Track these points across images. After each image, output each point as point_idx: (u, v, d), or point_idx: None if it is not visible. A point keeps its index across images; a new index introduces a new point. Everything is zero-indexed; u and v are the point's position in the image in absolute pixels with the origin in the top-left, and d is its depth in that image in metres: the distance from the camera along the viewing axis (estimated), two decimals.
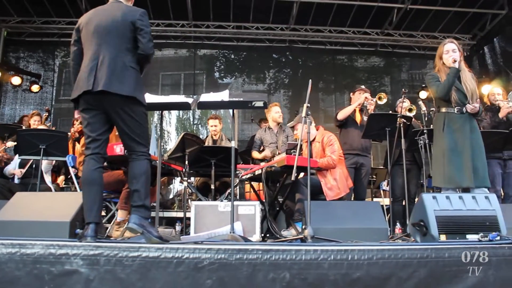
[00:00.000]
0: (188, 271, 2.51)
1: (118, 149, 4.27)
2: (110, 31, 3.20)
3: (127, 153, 3.30)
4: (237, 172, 5.51)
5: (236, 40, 10.38)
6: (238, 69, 10.90)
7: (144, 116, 3.30)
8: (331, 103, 10.66)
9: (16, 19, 9.48)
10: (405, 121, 5.10)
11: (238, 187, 6.58)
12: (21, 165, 5.86)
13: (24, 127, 6.84)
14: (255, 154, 6.34)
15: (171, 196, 8.18)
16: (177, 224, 5.75)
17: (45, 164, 5.79)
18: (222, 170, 5.40)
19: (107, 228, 4.71)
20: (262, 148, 6.44)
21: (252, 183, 5.77)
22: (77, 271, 2.52)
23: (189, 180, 5.63)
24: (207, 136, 7.03)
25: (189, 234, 4.34)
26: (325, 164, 4.81)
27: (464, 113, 4.23)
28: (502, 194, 5.41)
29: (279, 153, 5.86)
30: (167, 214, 6.87)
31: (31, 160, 5.78)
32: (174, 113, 10.48)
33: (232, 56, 10.90)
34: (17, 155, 5.61)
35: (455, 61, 4.19)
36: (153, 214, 3.97)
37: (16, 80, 9.47)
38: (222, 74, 10.96)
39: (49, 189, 5.77)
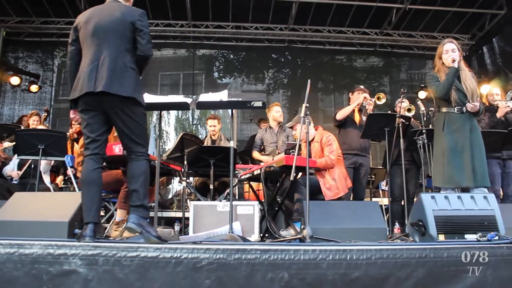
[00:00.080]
0: (187, 271, 2.51)
1: (117, 149, 4.27)
2: (110, 31, 3.20)
3: (126, 153, 3.30)
4: (236, 172, 5.51)
5: (235, 40, 10.38)
6: (237, 69, 10.90)
7: (143, 116, 3.30)
8: (330, 103, 10.66)
9: (15, 19, 9.46)
10: (404, 121, 5.10)
11: (237, 187, 6.56)
12: (20, 165, 5.86)
13: (22, 127, 6.83)
14: (256, 155, 6.33)
15: (170, 196, 8.17)
16: (176, 224, 5.75)
17: (44, 164, 5.78)
18: (221, 170, 5.40)
19: (106, 228, 4.71)
20: (262, 147, 6.44)
21: (251, 183, 5.76)
22: (75, 271, 2.51)
23: (188, 180, 5.64)
24: (206, 136, 7.03)
25: (188, 234, 4.34)
26: (323, 164, 4.81)
27: (464, 112, 4.23)
28: (502, 194, 5.41)
29: (279, 153, 5.85)
30: (166, 214, 6.87)
31: (30, 160, 5.78)
32: (173, 113, 10.48)
33: (231, 56, 10.90)
34: (15, 155, 5.60)
35: (454, 60, 4.19)
36: (152, 214, 3.97)
37: (15, 80, 9.47)
38: (221, 74, 10.96)
39: (47, 189, 5.77)
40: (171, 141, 10.07)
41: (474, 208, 3.41)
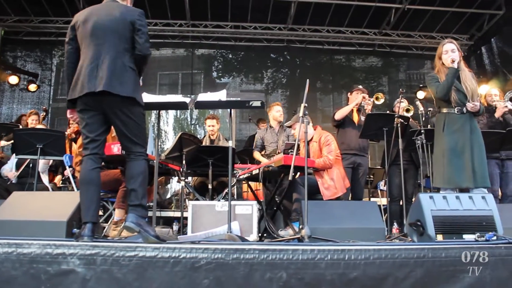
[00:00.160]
0: (185, 271, 2.51)
1: (116, 148, 4.27)
2: (109, 31, 3.19)
3: (125, 153, 3.30)
4: (235, 171, 5.52)
5: (234, 40, 10.38)
6: (236, 68, 10.90)
7: (142, 116, 3.31)
8: (328, 103, 10.66)
9: (13, 18, 9.45)
10: (402, 121, 5.11)
11: (235, 186, 6.56)
12: (18, 165, 5.85)
13: (21, 127, 6.82)
14: (257, 155, 6.31)
15: (168, 196, 8.17)
16: (174, 223, 5.75)
17: (41, 164, 5.77)
18: (220, 169, 5.39)
19: (104, 227, 4.71)
20: (263, 147, 6.43)
21: (250, 182, 5.76)
22: (73, 270, 2.51)
23: (186, 180, 5.63)
24: (204, 136, 7.02)
25: (186, 234, 4.34)
26: (322, 165, 4.82)
27: (465, 113, 4.22)
28: (500, 194, 5.42)
29: (279, 153, 5.85)
30: (165, 213, 6.86)
31: (28, 160, 5.77)
32: (172, 112, 10.48)
33: (230, 56, 10.90)
34: (14, 155, 5.59)
35: (453, 61, 4.18)
36: (150, 213, 3.96)
37: (13, 79, 9.46)
38: (220, 74, 10.96)
39: (46, 189, 5.76)
40: (169, 141, 10.07)
41: (472, 208, 3.41)
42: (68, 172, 5.44)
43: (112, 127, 3.33)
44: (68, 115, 3.46)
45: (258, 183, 5.76)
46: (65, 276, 2.50)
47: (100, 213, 5.14)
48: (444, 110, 4.29)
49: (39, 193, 4.93)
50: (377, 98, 5.72)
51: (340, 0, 9.05)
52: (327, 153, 4.88)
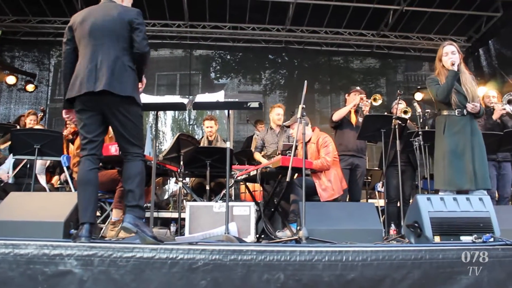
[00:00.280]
0: (183, 272, 2.51)
1: (113, 149, 4.26)
2: (107, 31, 3.19)
3: (122, 154, 3.29)
4: (232, 173, 5.51)
5: (232, 41, 10.39)
6: (234, 69, 10.91)
7: (140, 117, 3.30)
8: (326, 104, 10.68)
9: (11, 18, 9.44)
10: (400, 122, 5.11)
11: (233, 187, 6.57)
12: (15, 165, 5.83)
13: (18, 127, 6.80)
14: (257, 156, 6.31)
15: (166, 197, 8.16)
16: (172, 224, 5.73)
17: (38, 165, 5.76)
18: (217, 170, 5.39)
19: (102, 228, 4.70)
20: (264, 148, 6.44)
21: (247, 184, 5.76)
22: (71, 271, 2.51)
23: (184, 181, 5.63)
24: (202, 137, 7.02)
25: (183, 235, 4.33)
26: (319, 166, 4.82)
27: (465, 115, 4.21)
28: (497, 196, 5.43)
29: (279, 154, 5.86)
30: (162, 214, 6.85)
31: (25, 160, 5.75)
32: (170, 113, 10.48)
33: (228, 57, 10.91)
34: (11, 155, 5.58)
35: (453, 64, 4.17)
36: (147, 214, 3.96)
37: (11, 80, 9.44)
38: (218, 75, 10.97)
39: (43, 189, 5.75)
40: (167, 142, 10.06)
41: (469, 210, 3.42)
42: (65, 175, 5.40)
43: (110, 128, 3.33)
44: (64, 115, 3.46)
45: (255, 184, 5.77)
46: (62, 277, 2.50)
47: (98, 214, 5.14)
48: (445, 112, 4.28)
49: (37, 193, 4.92)
50: (375, 100, 5.73)
51: (338, 2, 9.06)
52: (324, 155, 4.88)
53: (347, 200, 5.48)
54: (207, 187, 5.41)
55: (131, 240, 3.07)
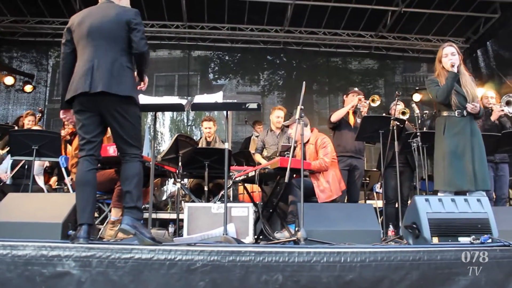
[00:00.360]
0: (181, 273, 2.51)
1: (112, 150, 4.26)
2: (105, 32, 3.19)
3: (120, 155, 3.29)
4: (231, 173, 5.51)
5: (231, 42, 10.38)
6: (232, 70, 10.90)
7: (138, 118, 3.30)
8: (325, 105, 10.68)
9: (9, 18, 9.41)
10: (398, 123, 5.12)
11: (231, 188, 6.56)
12: (13, 166, 5.82)
13: (16, 128, 6.79)
14: (258, 157, 6.31)
15: (164, 198, 8.15)
16: (170, 225, 5.72)
17: (36, 166, 5.74)
18: (216, 171, 5.39)
19: (100, 229, 4.69)
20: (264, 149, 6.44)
21: (246, 184, 5.76)
22: (69, 273, 2.50)
23: (182, 182, 5.62)
24: (200, 138, 7.02)
25: (182, 236, 4.33)
26: (318, 167, 4.82)
27: (465, 116, 4.20)
28: (494, 197, 5.44)
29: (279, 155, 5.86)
30: (160, 215, 6.83)
31: (23, 161, 5.74)
32: (168, 114, 10.46)
33: (227, 58, 10.90)
34: (9, 156, 5.57)
35: (453, 65, 4.17)
36: (146, 215, 3.96)
37: (9, 80, 9.42)
38: (216, 76, 10.95)
39: (41, 190, 5.74)
40: (165, 143, 10.05)
41: (467, 211, 3.42)
42: (67, 180, 5.37)
43: (108, 129, 3.33)
44: (61, 116, 3.46)
45: (254, 185, 5.77)
46: (60, 278, 2.50)
47: (96, 214, 5.13)
48: (445, 113, 4.27)
49: (34, 194, 4.91)
50: (373, 100, 5.74)
51: (337, 3, 9.05)
52: (323, 156, 4.89)
53: (345, 201, 5.48)
54: (206, 188, 5.40)
55: (129, 242, 3.06)
